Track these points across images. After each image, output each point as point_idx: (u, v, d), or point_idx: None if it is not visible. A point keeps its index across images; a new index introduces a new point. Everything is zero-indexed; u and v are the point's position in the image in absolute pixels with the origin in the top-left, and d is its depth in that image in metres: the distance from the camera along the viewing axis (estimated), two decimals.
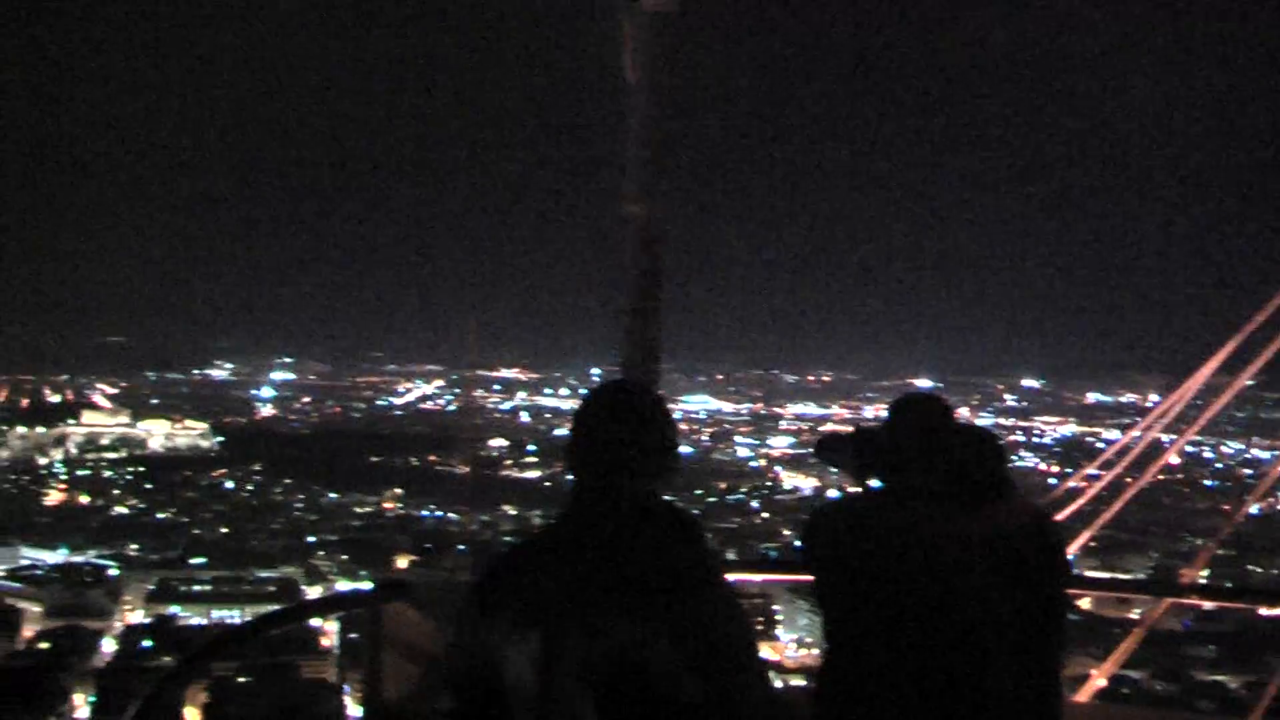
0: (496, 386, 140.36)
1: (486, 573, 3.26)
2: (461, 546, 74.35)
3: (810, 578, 4.02)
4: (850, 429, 4.16)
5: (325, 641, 57.28)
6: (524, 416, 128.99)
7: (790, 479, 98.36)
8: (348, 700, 52.70)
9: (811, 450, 4.57)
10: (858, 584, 3.81)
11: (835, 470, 4.18)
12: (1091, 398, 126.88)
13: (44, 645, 60.38)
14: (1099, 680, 17.61)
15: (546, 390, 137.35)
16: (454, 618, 3.28)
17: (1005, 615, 3.66)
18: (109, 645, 61.96)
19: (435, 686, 4.58)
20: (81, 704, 54.02)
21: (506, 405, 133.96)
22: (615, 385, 3.48)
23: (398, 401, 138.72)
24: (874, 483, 4.00)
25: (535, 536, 3.32)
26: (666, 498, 3.21)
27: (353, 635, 52.69)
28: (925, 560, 3.69)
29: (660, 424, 3.25)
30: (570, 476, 3.25)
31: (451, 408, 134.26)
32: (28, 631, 63.20)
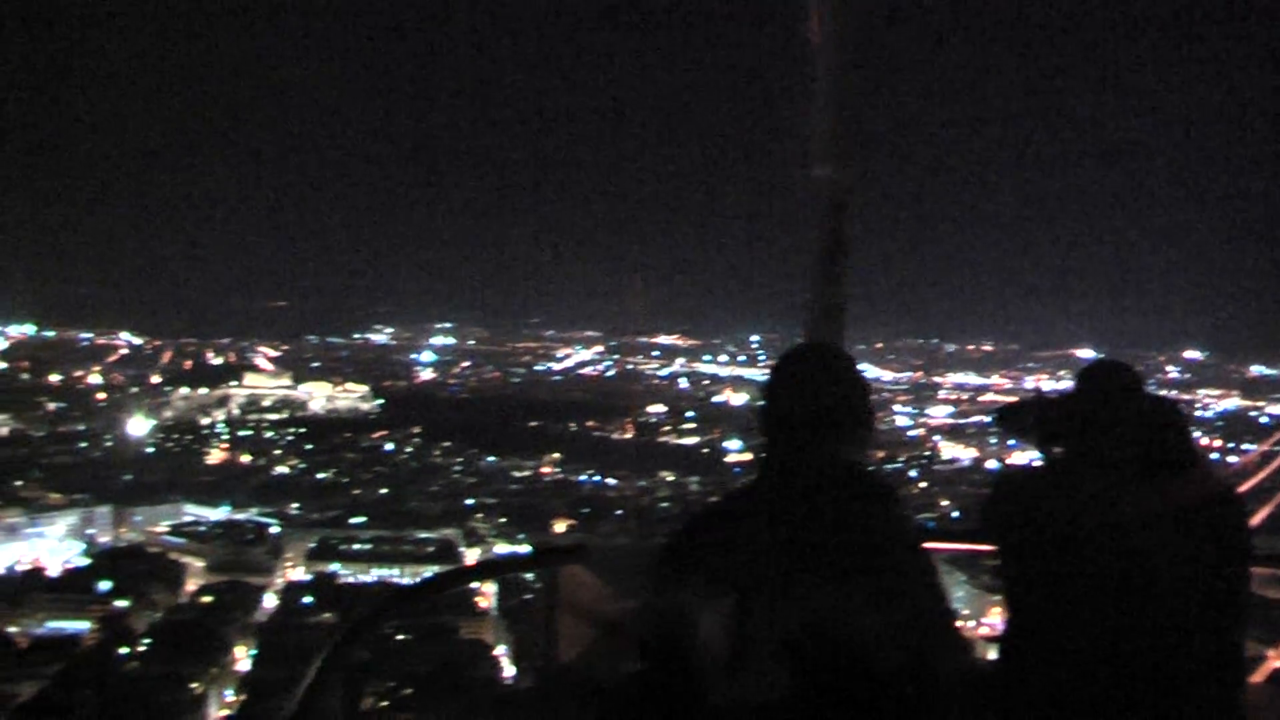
0: (655, 353, 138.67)
1: (682, 532, 3.20)
2: (619, 512, 74.54)
3: (990, 546, 3.90)
4: (1021, 399, 4.13)
5: (482, 603, 57.11)
6: (682, 383, 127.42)
7: (949, 449, 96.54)
8: (504, 661, 53.09)
9: (992, 419, 4.44)
10: (1044, 554, 3.71)
11: (1015, 440, 4.12)
12: (1255, 371, 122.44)
13: (206, 599, 61.64)
14: (1276, 662, 17.79)
15: (705, 357, 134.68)
16: (632, 582, 3.45)
17: (1192, 589, 3.55)
18: (270, 600, 63.26)
19: (611, 651, 4.38)
20: (243, 656, 54.92)
21: (665, 372, 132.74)
22: (814, 348, 3.59)
23: (556, 367, 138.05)
24: (1053, 452, 3.92)
25: (731, 498, 3.27)
26: (861, 463, 3.17)
27: (516, 598, 53.42)
28: (1113, 532, 3.59)
29: (858, 389, 3.24)
30: (763, 438, 3.18)
31: (610, 374, 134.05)
32: (191, 585, 64.55)
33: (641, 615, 3.31)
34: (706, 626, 2.92)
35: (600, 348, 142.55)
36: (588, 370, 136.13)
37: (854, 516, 2.98)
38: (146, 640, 54.31)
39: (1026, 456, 4.03)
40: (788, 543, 2.95)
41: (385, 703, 41.56)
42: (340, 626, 4.74)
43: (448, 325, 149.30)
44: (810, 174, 5.38)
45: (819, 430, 3.09)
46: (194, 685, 49.43)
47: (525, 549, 48.68)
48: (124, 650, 53.21)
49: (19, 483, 79.75)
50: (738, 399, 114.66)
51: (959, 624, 3.08)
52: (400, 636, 48.59)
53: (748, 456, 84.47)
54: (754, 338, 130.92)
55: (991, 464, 79.51)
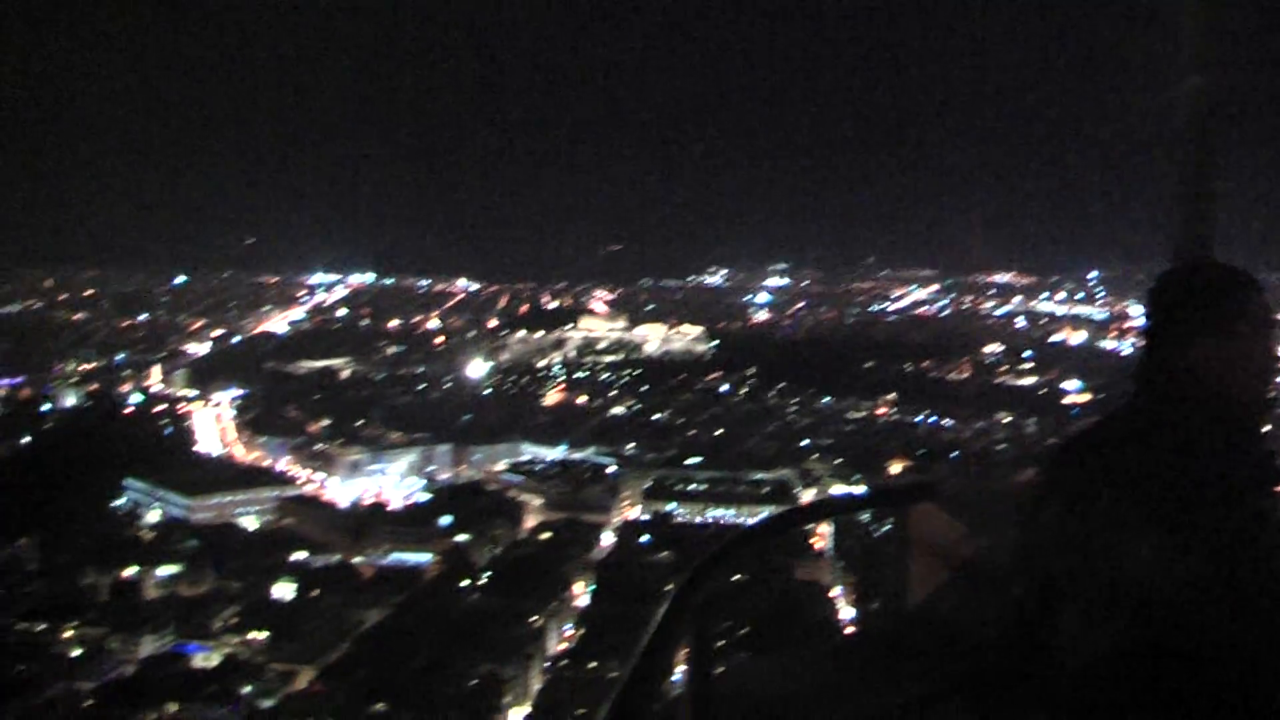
0: (991, 291, 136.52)
1: (1049, 464, 2.99)
2: (956, 454, 72.08)
3: None
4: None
5: (818, 545, 55.54)
6: (1019, 322, 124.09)
7: None
8: (840, 603, 51.53)
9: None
10: None
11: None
12: None
13: (545, 536, 61.67)
14: None
15: (1043, 295, 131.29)
16: (987, 521, 3.43)
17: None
18: (607, 538, 62.92)
19: (965, 594, 4.10)
20: (581, 593, 54.47)
21: (1001, 310, 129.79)
22: (1207, 269, 3.14)
23: (891, 307, 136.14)
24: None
25: (1101, 424, 3.02)
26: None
27: (852, 539, 51.46)
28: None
29: (1256, 315, 2.90)
30: (1142, 362, 2.93)
31: (946, 313, 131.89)
32: (529, 522, 64.88)
33: (999, 555, 3.20)
34: (1068, 554, 2.75)
35: (936, 287, 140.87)
36: (923, 310, 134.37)
37: (1224, 455, 2.73)
38: (486, 574, 54.63)
39: None
40: (1151, 475, 2.72)
41: (722, 642, 39.88)
42: (686, 568, 3.95)
43: (783, 266, 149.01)
44: (1177, 87, 4.90)
45: (1208, 360, 2.82)
46: (533, 619, 49.21)
47: (862, 489, 47.97)
48: (464, 583, 53.64)
49: (361, 422, 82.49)
50: (1076, 338, 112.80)
51: None
52: (736, 576, 47.07)
53: (1086, 398, 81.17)
54: (1092, 274, 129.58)
55: None
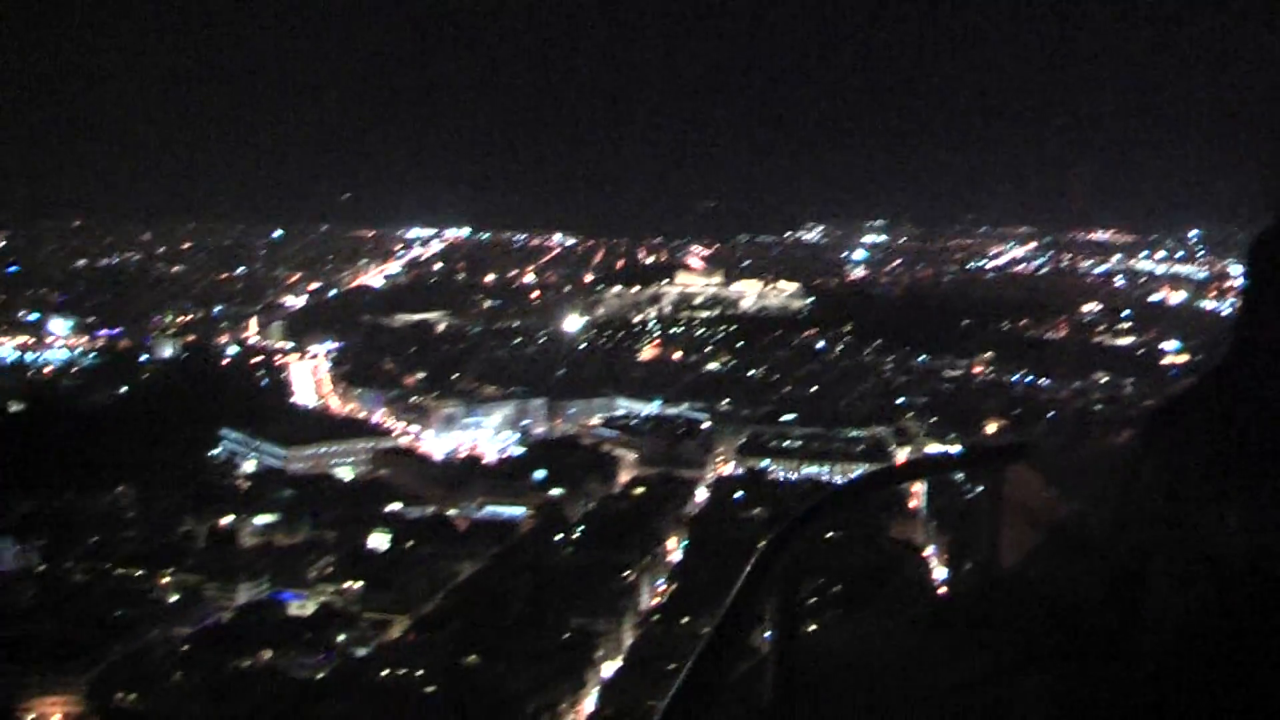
0: (1090, 249, 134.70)
1: (1147, 422, 2.97)
2: (1052, 414, 71.23)
3: None
4: None
5: (912, 504, 55.07)
6: (1118, 281, 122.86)
7: None
8: (933, 563, 51.16)
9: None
10: None
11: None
12: None
13: (639, 491, 61.56)
14: None
15: (1143, 254, 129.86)
16: (1082, 483, 3.37)
17: None
18: (701, 494, 62.55)
19: (1058, 557, 3.88)
20: (674, 548, 54.44)
21: (1100, 269, 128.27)
22: None
23: (989, 265, 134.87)
24: None
25: (1200, 385, 2.99)
26: None
27: (945, 499, 50.94)
28: None
29: None
30: (1241, 322, 2.83)
31: (1043, 271, 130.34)
32: (623, 477, 64.91)
33: (1093, 519, 3.16)
34: (1162, 532, 2.66)
35: (1034, 244, 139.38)
36: (1021, 268, 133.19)
37: None
38: (580, 528, 54.64)
39: None
40: (1237, 441, 2.63)
41: (815, 599, 39.83)
42: (777, 525, 3.77)
43: (880, 223, 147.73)
44: None
45: None
46: (626, 574, 49.10)
47: (956, 448, 47.86)
48: (558, 537, 53.68)
49: (456, 376, 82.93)
50: (1175, 297, 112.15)
51: None
52: (830, 534, 46.85)
53: (1185, 358, 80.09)
54: (1193, 233, 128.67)
55: None
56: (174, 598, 47.13)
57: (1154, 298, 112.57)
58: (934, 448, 62.92)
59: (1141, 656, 2.73)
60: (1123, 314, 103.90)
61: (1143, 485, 2.78)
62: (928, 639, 4.18)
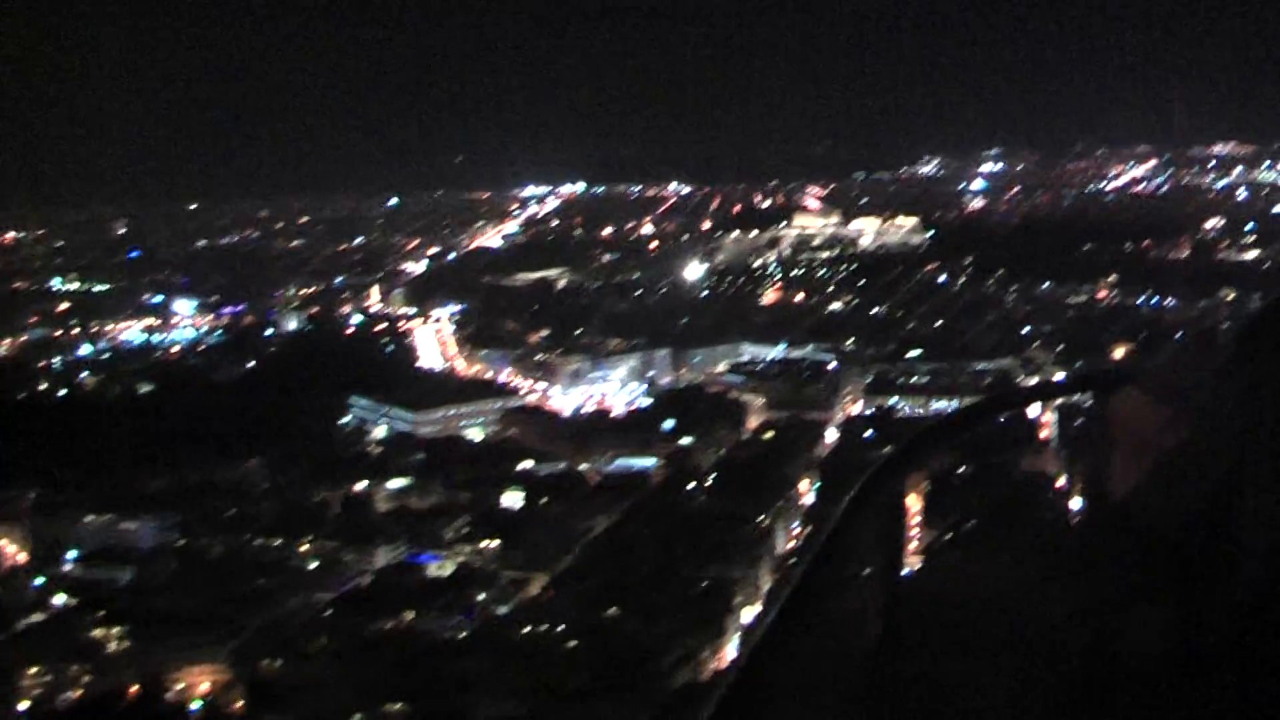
0: (1211, 164, 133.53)
1: (1238, 337, 3.07)
2: (1179, 335, 68.85)
3: None
4: None
5: (1043, 434, 54.08)
6: (1241, 194, 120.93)
7: None
8: (1068, 494, 49.47)
9: None
10: None
11: None
12: None
13: (768, 435, 61.29)
14: None
15: (1265, 165, 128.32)
16: (1194, 407, 3.25)
17: None
18: (831, 435, 62.02)
19: (1167, 485, 3.82)
20: (807, 491, 53.89)
21: (1221, 183, 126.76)
22: None
23: (1109, 187, 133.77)
24: None
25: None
26: None
27: (1078, 427, 49.83)
28: None
29: None
30: None
31: (1164, 189, 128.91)
32: (752, 422, 64.47)
33: (1202, 442, 3.03)
34: (1253, 450, 2.57)
35: (1153, 163, 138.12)
36: (1141, 188, 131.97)
37: None
38: (711, 476, 54.51)
39: None
40: None
41: (949, 535, 39.31)
42: (882, 457, 4.27)
43: (996, 152, 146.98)
44: None
45: None
46: (760, 519, 48.82)
47: (1059, 376, 49.63)
48: (690, 486, 53.64)
49: (580, 331, 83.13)
50: None
51: None
52: (960, 470, 45.67)
53: None
54: None
55: None
56: (312, 565, 47.81)
57: (1278, 209, 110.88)
58: (1061, 375, 61.83)
59: (1242, 584, 2.66)
60: (1246, 228, 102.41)
61: (1232, 406, 2.73)
62: (1040, 572, 4.25)
